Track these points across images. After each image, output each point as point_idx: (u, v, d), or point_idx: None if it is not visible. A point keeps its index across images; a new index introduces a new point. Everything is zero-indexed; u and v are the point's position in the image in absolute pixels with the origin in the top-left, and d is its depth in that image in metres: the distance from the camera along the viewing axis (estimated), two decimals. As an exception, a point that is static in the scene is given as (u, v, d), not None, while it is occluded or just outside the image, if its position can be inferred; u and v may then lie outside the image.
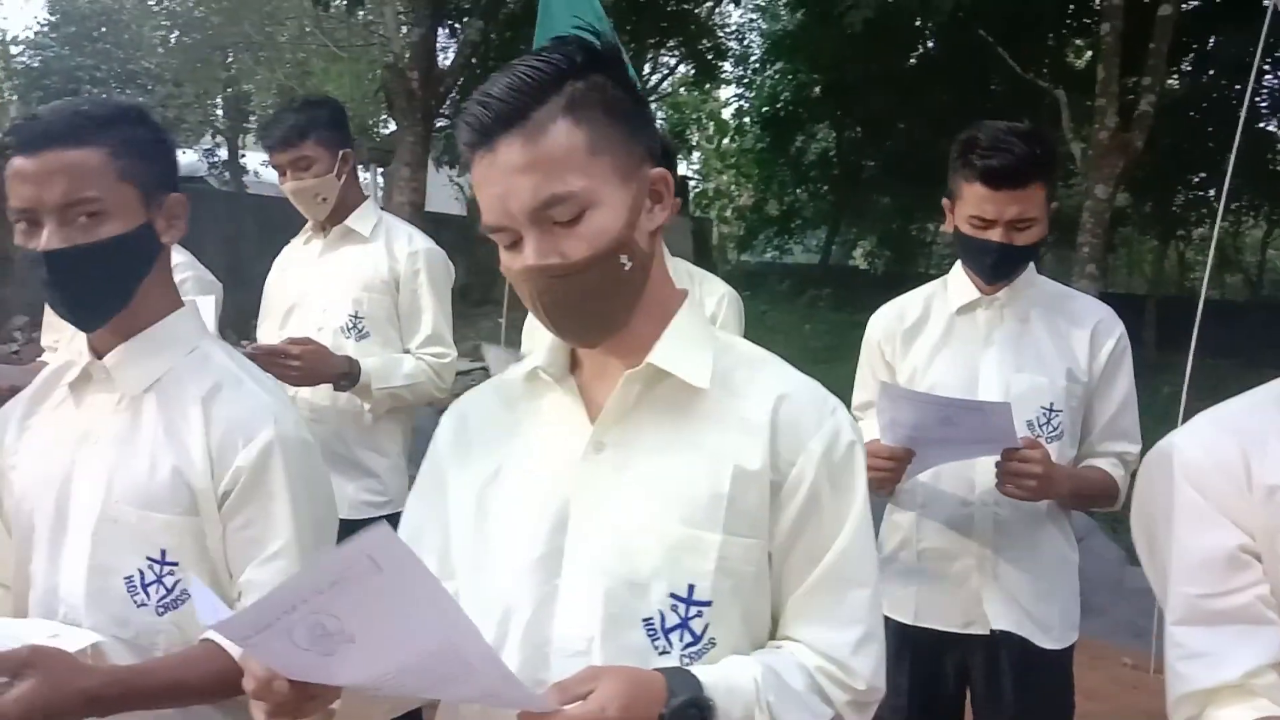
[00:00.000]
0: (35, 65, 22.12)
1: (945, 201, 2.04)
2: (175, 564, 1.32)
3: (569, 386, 1.14)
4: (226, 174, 23.44)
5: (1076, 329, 2.03)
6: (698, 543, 1.06)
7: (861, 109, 16.68)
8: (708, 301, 2.45)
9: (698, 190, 24.34)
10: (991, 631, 1.97)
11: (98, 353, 1.37)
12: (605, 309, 1.06)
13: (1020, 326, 2.04)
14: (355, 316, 2.57)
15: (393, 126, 14.13)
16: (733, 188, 25.22)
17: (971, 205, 1.93)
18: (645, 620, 1.06)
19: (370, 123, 20.56)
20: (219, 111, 23.28)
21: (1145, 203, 15.49)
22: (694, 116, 24.54)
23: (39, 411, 1.44)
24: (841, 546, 1.09)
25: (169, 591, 1.32)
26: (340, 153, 2.54)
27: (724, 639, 1.07)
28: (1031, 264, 2.06)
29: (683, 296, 1.16)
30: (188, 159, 21.95)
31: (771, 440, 1.08)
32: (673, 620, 1.06)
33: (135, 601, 1.32)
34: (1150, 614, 3.80)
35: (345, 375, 2.40)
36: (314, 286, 2.64)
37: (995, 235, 1.93)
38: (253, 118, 22.27)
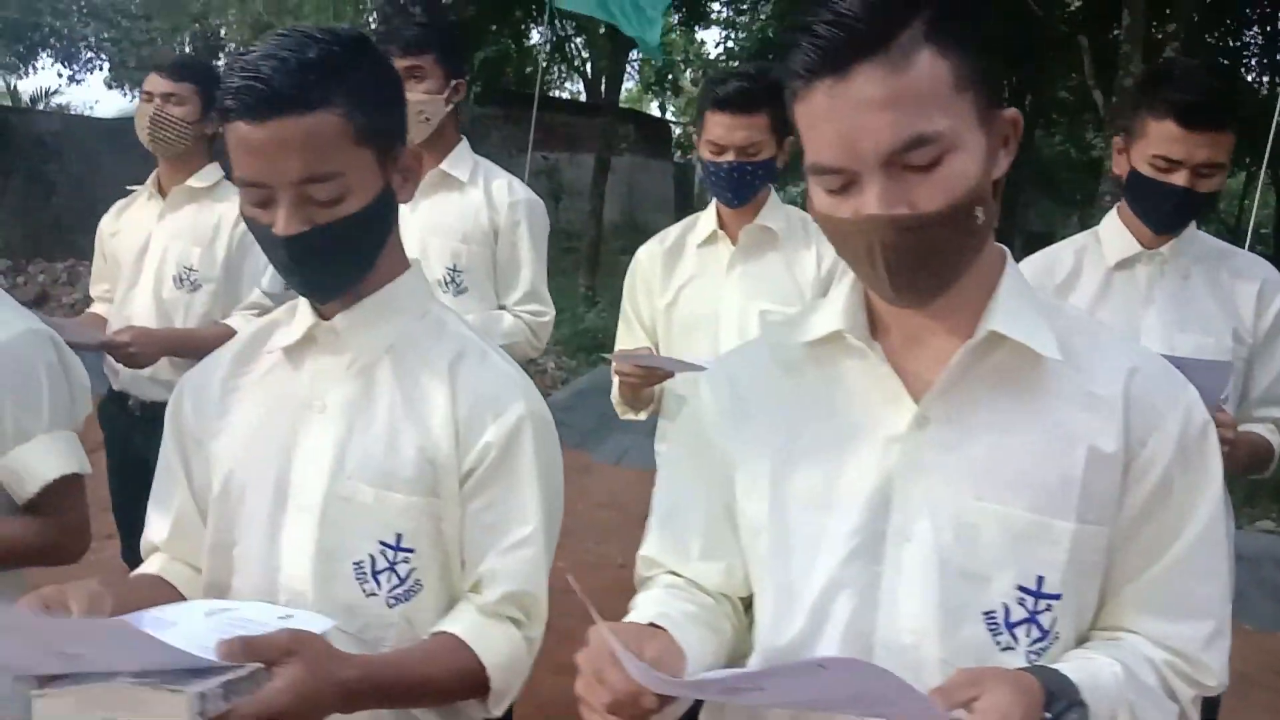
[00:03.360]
0: (-5, -4, 21.40)
1: (1118, 140, 1.92)
2: (411, 550, 1.20)
3: (879, 353, 1.02)
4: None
5: (1242, 286, 1.94)
6: (1048, 531, 0.97)
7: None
8: (825, 253, 2.30)
9: (680, 134, 24.00)
10: None
11: (322, 314, 1.24)
12: (949, 266, 0.95)
13: (1182, 283, 1.95)
14: (453, 270, 2.45)
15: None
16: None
17: (1158, 144, 1.82)
18: (986, 614, 0.98)
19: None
20: (188, 48, 22.66)
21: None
22: (679, 58, 24.15)
23: (246, 375, 1.29)
24: (1193, 534, 1.00)
25: (401, 581, 1.20)
26: (454, 81, 2.41)
27: (1065, 632, 0.99)
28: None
29: (1002, 254, 1.04)
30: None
31: (1125, 418, 0.98)
32: (1019, 614, 0.98)
33: (364, 590, 1.19)
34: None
35: None
36: (409, 238, 2.47)
37: (1180, 179, 1.82)
38: (223, 53, 21.67)
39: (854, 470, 1.02)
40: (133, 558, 2.79)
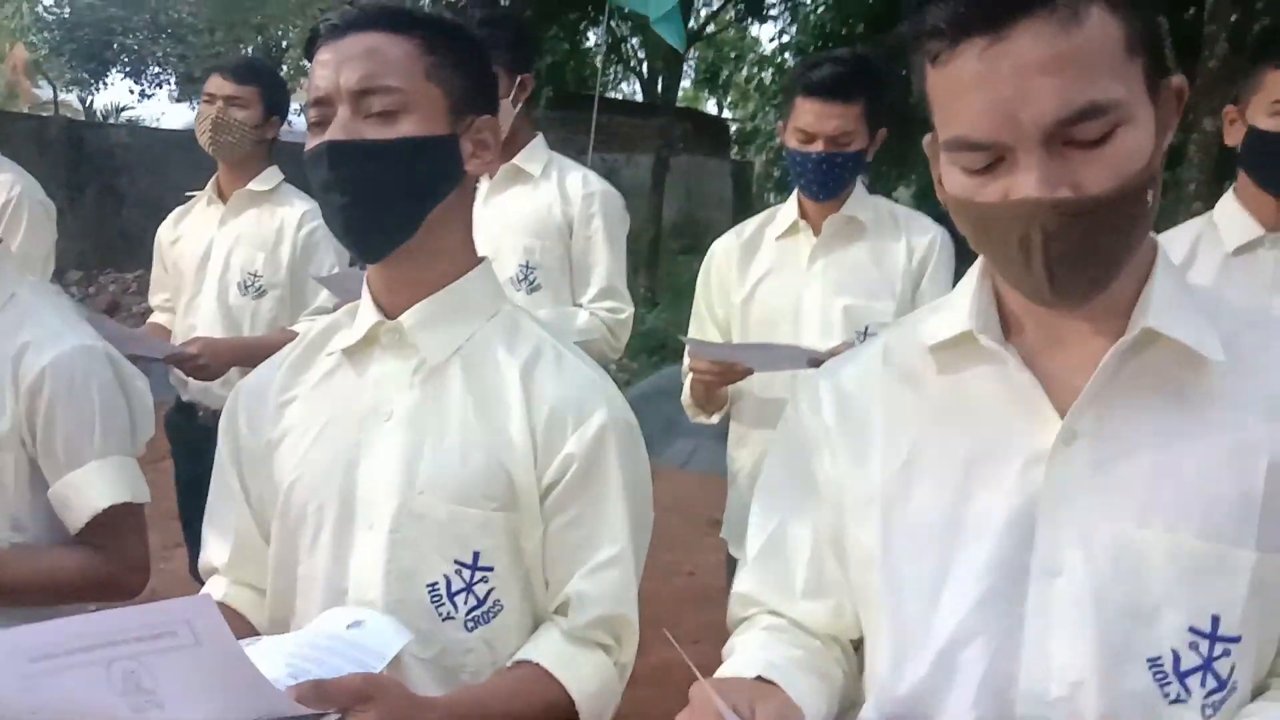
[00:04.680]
0: (66, 16, 21.99)
1: (1229, 110, 1.79)
2: (490, 569, 1.11)
3: (1016, 358, 0.89)
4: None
5: None
6: (1224, 561, 0.83)
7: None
8: (916, 244, 2.17)
9: (736, 130, 23.82)
10: None
11: (386, 313, 1.15)
12: (1114, 260, 0.82)
13: None
14: (526, 267, 2.35)
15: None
16: (772, 126, 24.72)
17: (1278, 87, 1.68)
18: (1152, 660, 0.84)
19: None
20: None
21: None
22: (731, 54, 23.99)
23: (303, 381, 1.21)
24: None
25: (480, 602, 1.11)
26: (518, 78, 2.29)
27: (1243, 682, 0.85)
28: None
29: (1153, 243, 0.90)
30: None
31: None
32: (1191, 661, 0.84)
33: (440, 614, 1.11)
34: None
35: None
36: (481, 235, 2.41)
37: None
38: (285, 63, 22.04)
39: (988, 494, 0.89)
40: (201, 571, 2.79)
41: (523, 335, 1.17)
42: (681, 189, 15.39)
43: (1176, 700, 0.84)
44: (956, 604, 0.88)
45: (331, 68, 1.05)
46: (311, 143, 1.07)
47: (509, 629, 1.13)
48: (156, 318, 2.91)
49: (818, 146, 2.03)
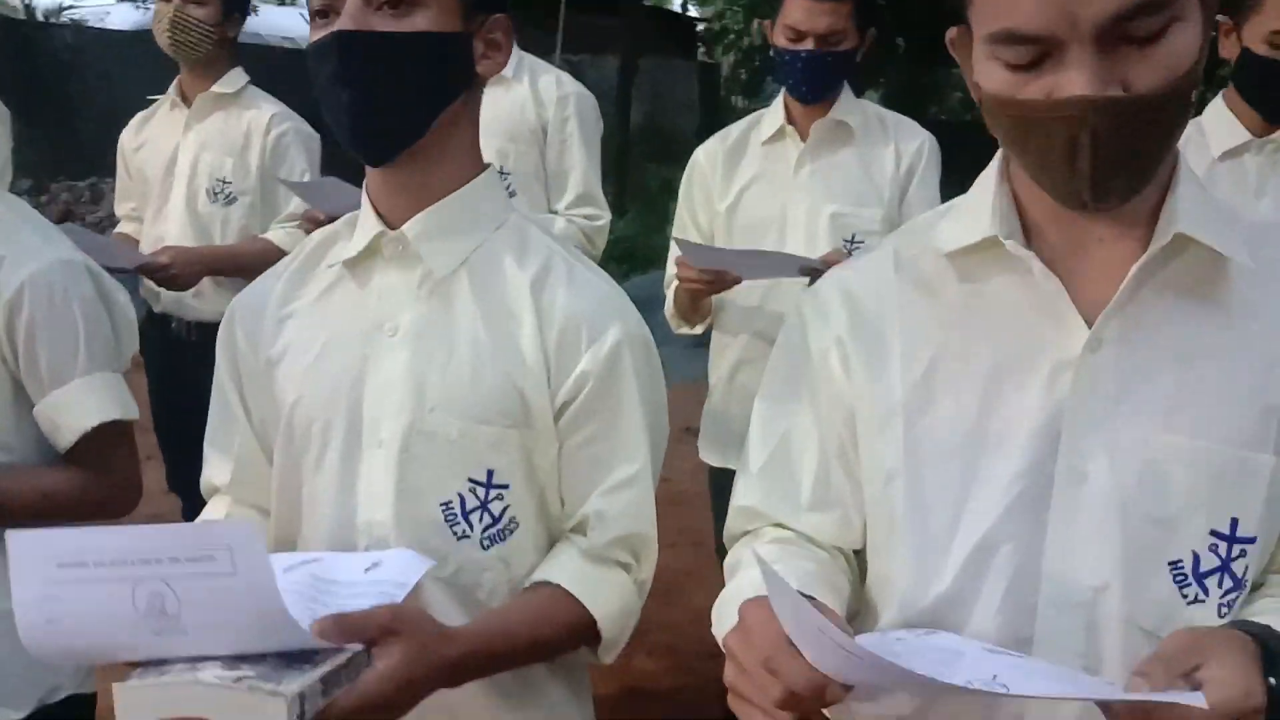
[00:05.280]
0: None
1: (1224, 21, 1.75)
2: (505, 486, 1.09)
3: (1040, 264, 0.87)
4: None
5: None
6: (1245, 466, 0.84)
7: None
8: (904, 150, 2.14)
9: (703, 30, 23.32)
10: None
11: (388, 222, 1.10)
12: (1155, 161, 0.81)
13: None
14: (500, 172, 2.28)
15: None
16: (740, 26, 24.20)
17: (1277, 16, 1.66)
18: (1172, 564, 0.85)
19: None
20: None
21: None
22: (698, -48, 23.35)
23: (302, 295, 1.16)
24: None
25: (495, 520, 1.09)
26: None
27: (1252, 579, 0.87)
28: None
29: (1175, 150, 0.89)
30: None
31: None
32: (1210, 563, 0.85)
33: (455, 533, 1.08)
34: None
35: None
36: None
37: None
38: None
39: (1013, 403, 0.88)
40: (178, 483, 2.77)
41: (532, 246, 1.13)
42: (648, 92, 15.09)
43: (1195, 601, 0.85)
44: (983, 512, 0.88)
45: None
46: (316, 34, 1.01)
47: (525, 547, 1.11)
48: (123, 227, 2.82)
49: (808, 45, 1.98)
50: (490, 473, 1.08)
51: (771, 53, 2.07)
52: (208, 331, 2.54)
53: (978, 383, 0.90)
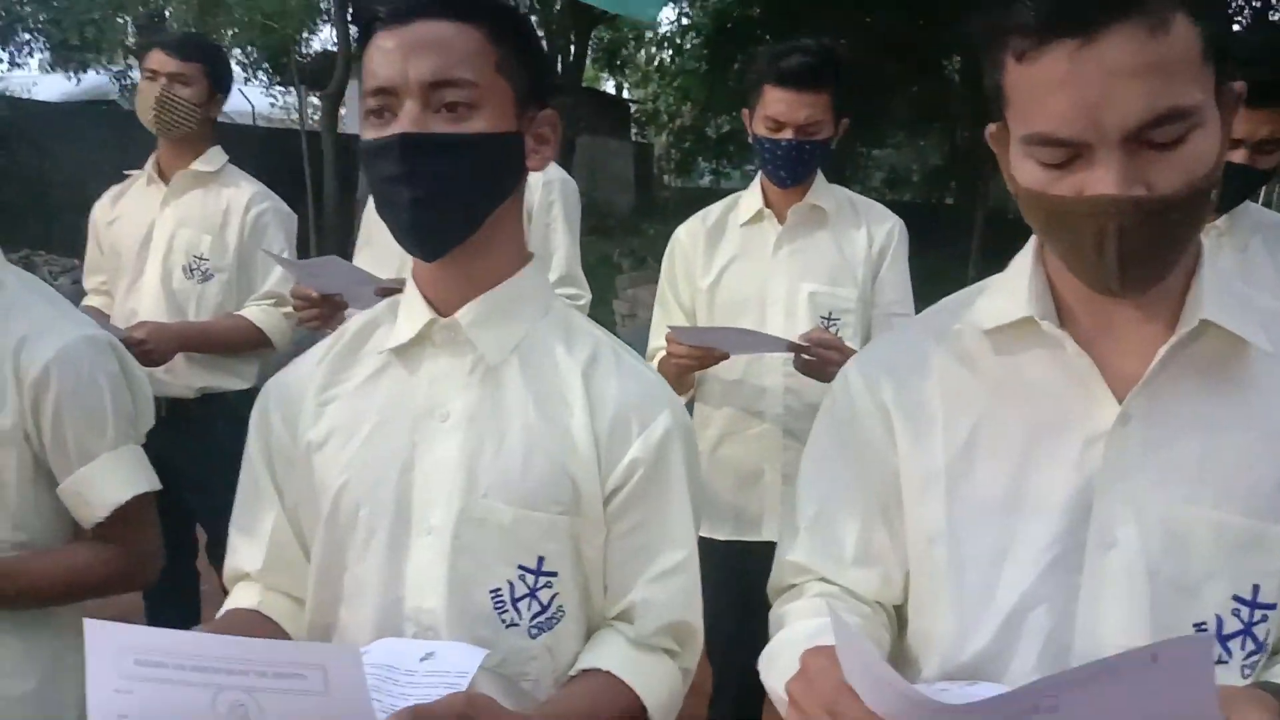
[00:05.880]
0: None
1: None
2: (554, 574, 1.08)
3: (1073, 343, 0.94)
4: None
5: None
6: (1264, 537, 0.90)
7: (807, 27, 16.41)
8: (875, 232, 2.22)
9: (636, 111, 23.85)
10: None
11: (438, 310, 1.11)
12: (1176, 254, 0.88)
13: (1240, 256, 1.95)
14: None
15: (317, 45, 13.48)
16: (672, 108, 24.80)
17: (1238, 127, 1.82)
18: (1197, 626, 0.91)
19: (299, 37, 19.58)
20: (130, 30, 21.99)
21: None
22: (630, 34, 23.97)
23: (347, 380, 1.15)
24: None
25: (544, 608, 1.09)
26: None
27: (1272, 643, 0.92)
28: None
29: (1198, 240, 0.96)
30: (98, 80, 20.84)
31: None
32: (1233, 626, 0.91)
33: (504, 620, 1.07)
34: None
35: None
36: None
37: (1238, 156, 1.85)
38: (174, 24, 21.07)
39: (1047, 472, 0.94)
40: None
41: (578, 334, 1.16)
42: (585, 169, 15.35)
43: (1219, 663, 0.90)
44: (1020, 574, 0.94)
45: (398, 56, 1.01)
46: (374, 133, 1.03)
47: (569, 636, 1.11)
48: (91, 300, 2.78)
49: (787, 135, 2.08)
50: (540, 559, 1.08)
51: (750, 140, 2.17)
52: (179, 408, 2.54)
53: (1015, 451, 0.96)
